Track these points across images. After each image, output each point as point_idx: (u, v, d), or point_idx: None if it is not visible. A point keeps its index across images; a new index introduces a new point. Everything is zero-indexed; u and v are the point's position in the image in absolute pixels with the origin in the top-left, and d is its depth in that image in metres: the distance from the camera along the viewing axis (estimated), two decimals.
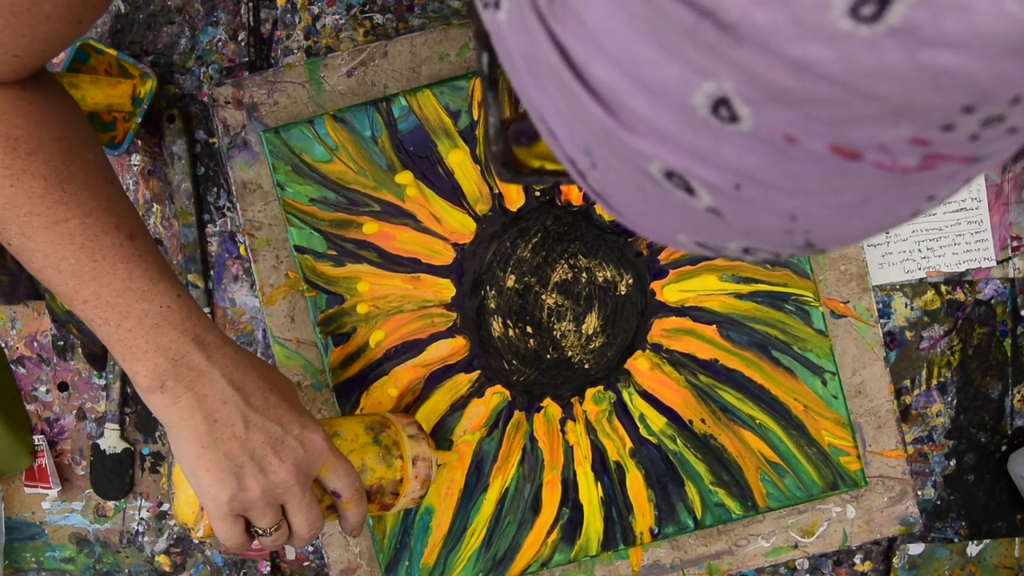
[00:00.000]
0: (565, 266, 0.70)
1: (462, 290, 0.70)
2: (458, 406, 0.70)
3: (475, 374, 0.70)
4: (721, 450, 0.70)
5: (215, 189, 0.72)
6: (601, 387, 0.70)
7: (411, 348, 0.70)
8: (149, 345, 0.50)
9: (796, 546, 0.71)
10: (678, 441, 0.70)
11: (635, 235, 0.70)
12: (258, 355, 0.73)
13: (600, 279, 0.70)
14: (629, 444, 0.70)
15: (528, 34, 0.25)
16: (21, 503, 0.75)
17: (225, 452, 0.51)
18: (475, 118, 0.68)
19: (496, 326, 0.70)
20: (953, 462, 0.74)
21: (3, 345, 0.74)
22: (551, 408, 0.70)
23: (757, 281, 0.69)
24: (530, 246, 0.69)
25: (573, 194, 0.69)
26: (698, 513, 0.70)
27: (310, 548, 0.74)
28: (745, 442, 0.70)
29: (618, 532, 0.71)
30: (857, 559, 0.74)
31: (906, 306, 0.72)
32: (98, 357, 0.73)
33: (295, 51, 0.72)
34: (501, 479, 0.70)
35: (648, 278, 0.70)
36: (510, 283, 0.70)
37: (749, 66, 0.20)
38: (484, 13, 0.27)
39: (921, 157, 0.22)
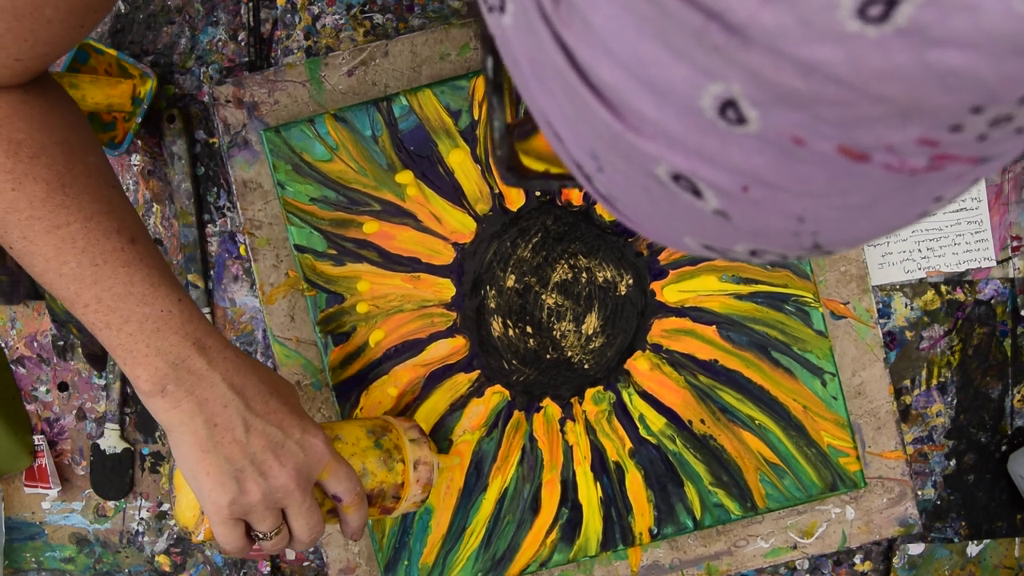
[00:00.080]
0: (565, 266, 0.70)
1: (462, 290, 0.70)
2: (458, 406, 0.70)
3: (475, 374, 0.70)
4: (720, 451, 0.70)
5: (215, 189, 0.72)
6: (601, 387, 0.70)
7: (411, 348, 0.70)
8: (150, 349, 0.50)
9: (795, 547, 0.71)
10: (677, 441, 0.70)
11: (635, 235, 0.70)
12: (258, 355, 0.73)
13: (600, 279, 0.70)
14: (628, 444, 0.70)
15: (533, 37, 0.25)
16: (21, 503, 0.75)
17: (226, 456, 0.50)
18: (476, 118, 0.68)
19: (496, 326, 0.70)
20: (953, 462, 0.74)
21: (3, 345, 0.73)
22: (551, 408, 0.70)
23: (757, 282, 0.70)
24: (530, 246, 0.69)
25: (573, 194, 0.69)
26: (697, 514, 0.70)
27: (310, 548, 0.74)
28: (744, 443, 0.70)
29: (617, 532, 0.71)
30: (857, 559, 0.74)
31: (906, 306, 0.72)
32: (98, 357, 0.73)
33: (295, 51, 0.72)
34: (500, 479, 0.70)
35: (648, 278, 0.70)
36: (510, 283, 0.70)
37: (757, 68, 0.20)
38: (489, 17, 0.27)
39: (929, 158, 0.22)
